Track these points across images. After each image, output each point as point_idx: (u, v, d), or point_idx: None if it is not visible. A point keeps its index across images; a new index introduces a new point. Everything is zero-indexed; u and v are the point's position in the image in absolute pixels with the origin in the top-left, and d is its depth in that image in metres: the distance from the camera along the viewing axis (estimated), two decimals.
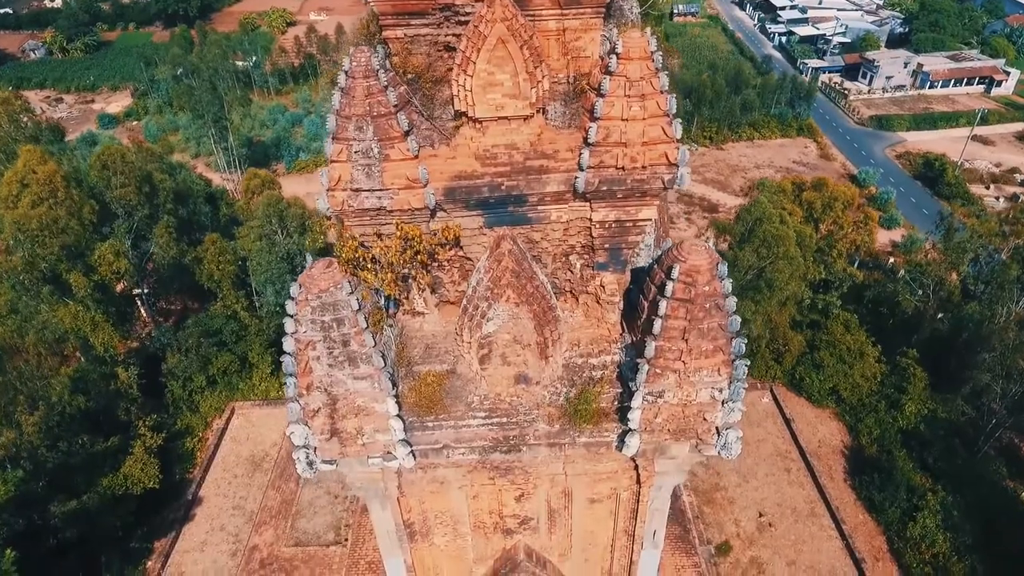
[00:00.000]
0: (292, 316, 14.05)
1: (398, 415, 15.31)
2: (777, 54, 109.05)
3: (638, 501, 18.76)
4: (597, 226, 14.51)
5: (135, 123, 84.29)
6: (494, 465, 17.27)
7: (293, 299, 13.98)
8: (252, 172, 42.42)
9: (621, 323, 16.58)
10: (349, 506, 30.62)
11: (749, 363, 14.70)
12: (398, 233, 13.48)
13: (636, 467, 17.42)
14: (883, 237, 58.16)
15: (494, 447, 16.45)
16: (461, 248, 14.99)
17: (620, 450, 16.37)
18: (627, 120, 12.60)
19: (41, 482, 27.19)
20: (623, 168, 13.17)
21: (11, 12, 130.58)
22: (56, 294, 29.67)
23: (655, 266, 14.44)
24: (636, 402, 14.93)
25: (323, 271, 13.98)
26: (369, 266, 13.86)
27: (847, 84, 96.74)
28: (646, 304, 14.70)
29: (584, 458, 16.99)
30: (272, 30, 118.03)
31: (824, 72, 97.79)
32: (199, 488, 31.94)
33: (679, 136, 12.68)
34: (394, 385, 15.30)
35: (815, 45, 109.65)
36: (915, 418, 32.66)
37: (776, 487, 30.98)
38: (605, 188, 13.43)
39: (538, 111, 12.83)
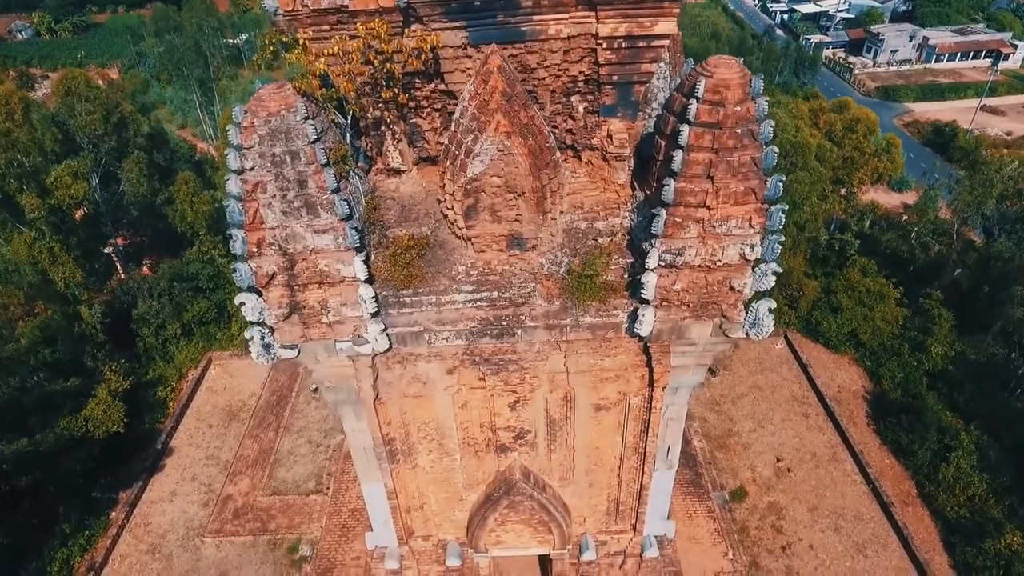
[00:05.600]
0: (236, 147, 11.71)
1: (368, 281, 12.94)
2: (780, 32, 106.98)
3: (650, 410, 16.40)
4: (604, 45, 12.09)
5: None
6: (484, 357, 14.86)
7: (237, 125, 11.64)
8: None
9: (631, 183, 14.24)
10: (332, 455, 28.33)
11: (787, 210, 12.39)
12: (361, 32, 11.08)
13: (648, 362, 15.06)
14: (894, 199, 56.41)
15: (483, 330, 14.02)
16: (442, 80, 12.62)
17: (631, 333, 14.02)
18: None
19: None
20: None
21: None
22: (7, 220, 27.25)
23: (674, 93, 12.10)
24: (651, 262, 12.53)
25: (273, 92, 11.63)
26: (329, 68, 11.36)
27: (851, 59, 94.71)
28: (663, 143, 12.34)
29: (588, 347, 14.59)
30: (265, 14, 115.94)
31: (828, 47, 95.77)
32: (170, 438, 29.56)
33: None
34: (363, 246, 12.95)
35: (818, 23, 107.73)
36: (942, 360, 30.35)
37: (794, 432, 28.66)
38: None
39: None
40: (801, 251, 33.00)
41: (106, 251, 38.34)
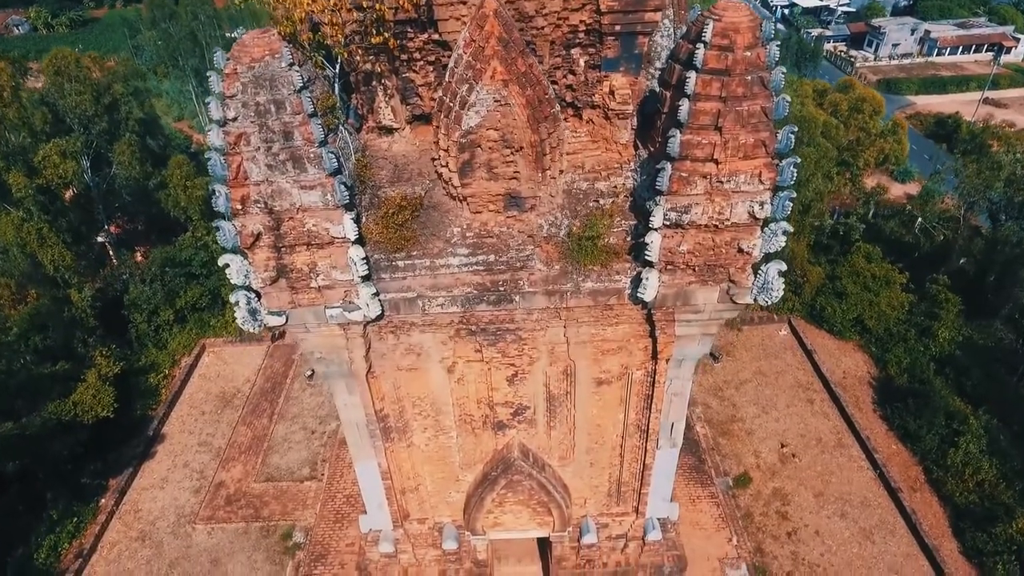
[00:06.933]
0: (218, 96, 11.14)
1: (358, 242, 12.35)
2: (780, 26, 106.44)
3: (653, 384, 15.81)
4: None
5: None
6: (481, 326, 14.26)
7: (219, 71, 11.07)
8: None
9: (634, 143, 13.65)
10: (327, 441, 27.75)
11: (799, 162, 11.79)
12: None
13: (652, 332, 14.46)
14: (898, 190, 55.97)
15: (480, 296, 13.41)
16: (436, 29, 12.02)
17: (634, 299, 13.43)
18: None
19: None
20: None
21: None
22: None
23: (680, 40, 11.53)
24: (656, 220, 11.96)
25: (257, 37, 11.05)
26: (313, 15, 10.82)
27: (852, 52, 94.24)
28: (668, 94, 11.77)
29: (589, 315, 13.99)
30: (263, 5, 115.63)
31: (829, 41, 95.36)
32: (162, 425, 28.97)
33: None
34: (353, 204, 12.37)
35: (818, 17, 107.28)
36: (949, 345, 29.78)
37: (799, 418, 28.07)
38: None
39: None
40: (805, 236, 32.44)
41: (99, 239, 37.75)
